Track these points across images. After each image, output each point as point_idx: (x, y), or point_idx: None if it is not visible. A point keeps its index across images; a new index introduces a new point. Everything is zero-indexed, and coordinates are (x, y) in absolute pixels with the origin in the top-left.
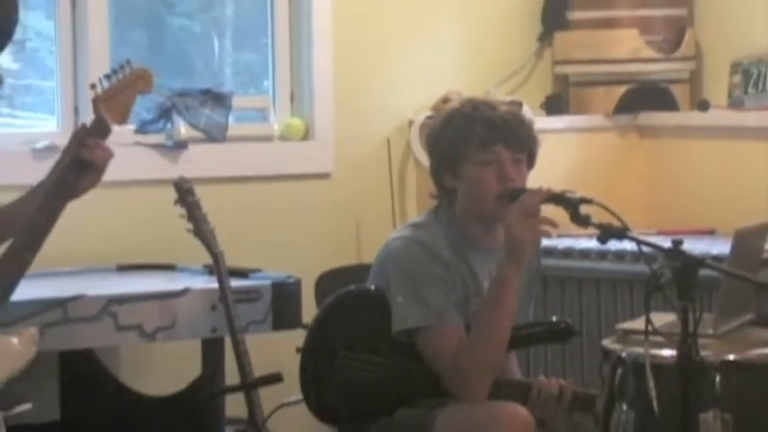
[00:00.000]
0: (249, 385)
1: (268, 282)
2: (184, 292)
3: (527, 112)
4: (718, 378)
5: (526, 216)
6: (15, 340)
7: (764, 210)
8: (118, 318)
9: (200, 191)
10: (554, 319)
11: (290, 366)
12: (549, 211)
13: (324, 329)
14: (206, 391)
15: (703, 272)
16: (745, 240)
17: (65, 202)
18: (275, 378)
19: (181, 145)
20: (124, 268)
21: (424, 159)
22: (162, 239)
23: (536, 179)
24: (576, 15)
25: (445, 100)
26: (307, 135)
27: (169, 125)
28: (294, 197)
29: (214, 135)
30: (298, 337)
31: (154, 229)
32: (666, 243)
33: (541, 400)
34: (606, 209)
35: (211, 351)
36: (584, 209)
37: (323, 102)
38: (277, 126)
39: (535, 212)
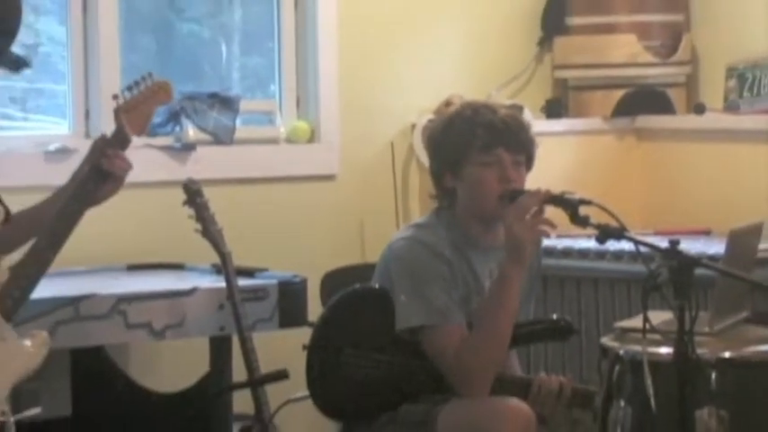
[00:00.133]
0: (256, 382)
1: (274, 281)
2: (193, 291)
3: (527, 115)
4: (713, 375)
5: (525, 216)
6: (28, 342)
7: (759, 211)
8: (128, 316)
9: (208, 192)
10: (554, 317)
11: (296, 363)
12: (548, 211)
13: (329, 327)
14: (214, 388)
15: (699, 271)
16: (739, 240)
17: (84, 209)
18: (282, 375)
19: (189, 147)
20: (134, 268)
21: (427, 161)
22: (171, 240)
23: (536, 181)
24: (575, 21)
25: (447, 103)
26: (312, 138)
27: (178, 128)
28: (300, 198)
29: (222, 138)
30: (304, 334)
31: (163, 229)
32: (663, 243)
33: (542, 396)
34: (604, 210)
35: (219, 348)
36: (583, 210)
37: (328, 105)
38: (283, 129)
39: (534, 213)
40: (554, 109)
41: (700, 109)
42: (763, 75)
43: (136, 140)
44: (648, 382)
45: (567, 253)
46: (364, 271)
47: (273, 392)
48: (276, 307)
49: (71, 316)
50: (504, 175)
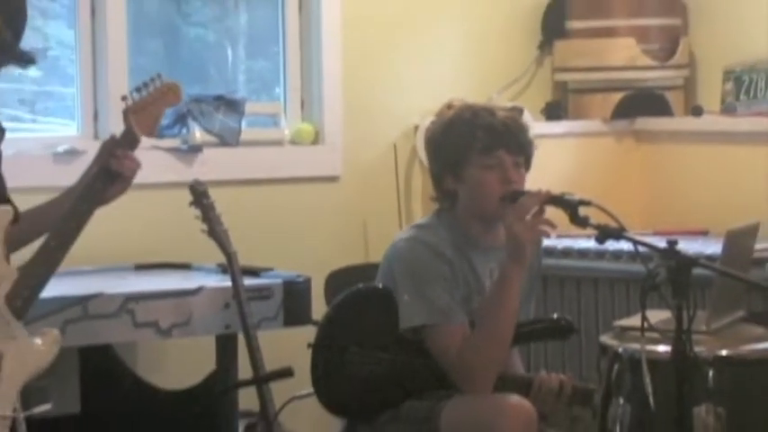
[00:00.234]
0: (261, 379)
1: (279, 280)
2: (199, 290)
3: (527, 117)
4: (711, 373)
5: (526, 217)
6: (39, 341)
7: (756, 211)
8: (135, 315)
9: (214, 193)
10: (554, 316)
11: (301, 361)
12: (548, 212)
13: (334, 326)
14: (220, 386)
15: (697, 271)
16: (736, 241)
17: (93, 209)
18: (286, 372)
19: (196, 149)
20: (141, 267)
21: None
22: (178, 240)
23: (537, 182)
24: (574, 25)
25: (449, 106)
26: (316, 140)
27: (184, 130)
28: (304, 199)
29: (227, 139)
30: (308, 333)
31: (170, 229)
32: (662, 243)
33: (542, 394)
34: (604, 210)
35: (225, 347)
36: (582, 210)
37: (332, 108)
38: (288, 131)
39: (535, 213)
40: (554, 111)
41: (697, 111)
42: (759, 78)
43: (143, 142)
44: (647, 379)
45: (566, 253)
46: (367, 270)
47: (278, 390)
48: (281, 306)
49: (80, 315)
50: (505, 177)
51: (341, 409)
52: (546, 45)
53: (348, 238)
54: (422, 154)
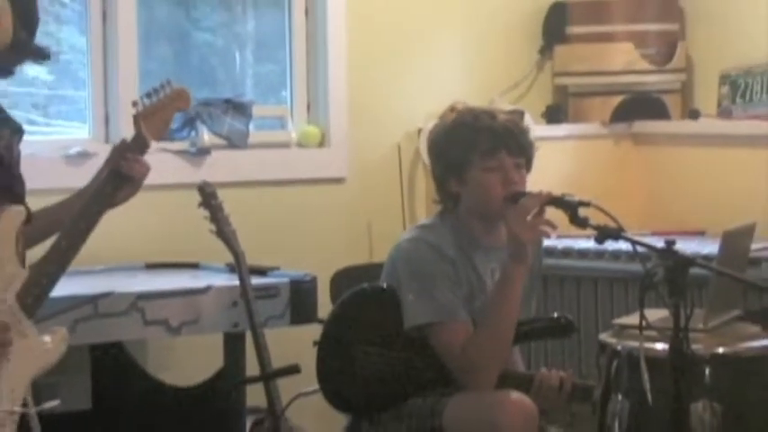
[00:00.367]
0: (268, 376)
1: (286, 279)
2: (208, 289)
3: (528, 120)
4: (707, 370)
5: (527, 218)
6: (48, 339)
7: (752, 212)
8: (145, 313)
9: (222, 194)
10: (555, 315)
11: (307, 358)
12: (549, 213)
13: (339, 324)
14: (228, 382)
15: (694, 270)
16: (732, 241)
17: (103, 211)
18: (293, 369)
19: (204, 151)
20: (151, 267)
21: None
22: (187, 240)
23: (537, 183)
24: (574, 30)
25: (452, 109)
26: (322, 142)
27: (193, 133)
28: (310, 200)
29: (235, 142)
30: (314, 331)
31: (179, 230)
32: (660, 243)
33: (543, 390)
34: (603, 211)
35: (233, 344)
36: (582, 211)
37: (337, 111)
38: (294, 133)
39: (535, 214)
40: (554, 114)
41: (694, 115)
42: (755, 82)
43: (154, 145)
44: (645, 376)
45: (566, 253)
46: (372, 270)
47: (285, 386)
48: (288, 304)
49: (91, 313)
50: (506, 178)
51: (346, 405)
52: (546, 50)
53: (353, 238)
54: (425, 156)
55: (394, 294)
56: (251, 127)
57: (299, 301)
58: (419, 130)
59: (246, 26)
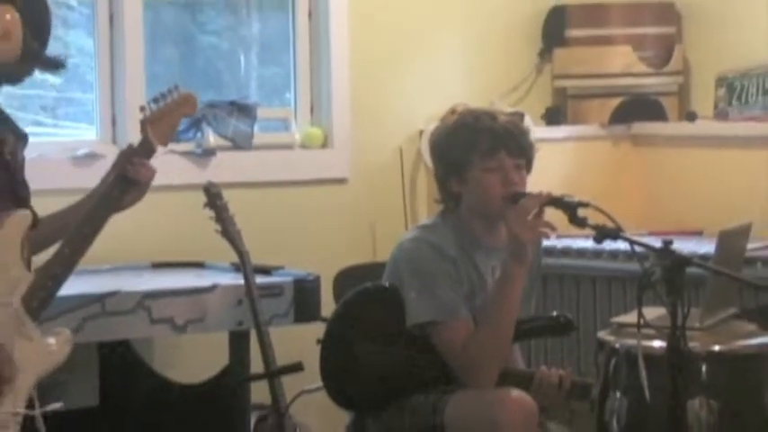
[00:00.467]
0: (272, 374)
1: (290, 278)
2: (213, 288)
3: (528, 122)
4: (704, 368)
5: (527, 218)
6: (52, 340)
7: (748, 212)
8: (152, 311)
9: (227, 195)
10: (554, 313)
11: (311, 356)
12: (549, 213)
13: (342, 323)
14: (233, 380)
15: (691, 269)
16: (729, 240)
17: (109, 215)
18: (297, 367)
19: (210, 152)
20: (158, 266)
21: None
22: (192, 240)
23: (537, 184)
24: (573, 33)
25: (453, 111)
26: (325, 143)
27: (199, 134)
28: (314, 201)
29: (240, 143)
30: (317, 329)
31: (185, 229)
32: (657, 243)
33: (543, 388)
34: (602, 211)
35: (238, 342)
36: (581, 211)
37: (340, 112)
38: (298, 135)
39: (535, 215)
40: (554, 116)
41: (691, 116)
42: (751, 84)
43: (160, 147)
44: (643, 374)
45: (566, 252)
46: (374, 269)
47: (289, 384)
48: (291, 303)
49: (98, 312)
50: (506, 179)
51: (349, 402)
52: (546, 52)
53: (356, 238)
54: (427, 157)
55: (396, 293)
56: (255, 128)
57: (303, 299)
58: (421, 132)
59: (251, 29)
